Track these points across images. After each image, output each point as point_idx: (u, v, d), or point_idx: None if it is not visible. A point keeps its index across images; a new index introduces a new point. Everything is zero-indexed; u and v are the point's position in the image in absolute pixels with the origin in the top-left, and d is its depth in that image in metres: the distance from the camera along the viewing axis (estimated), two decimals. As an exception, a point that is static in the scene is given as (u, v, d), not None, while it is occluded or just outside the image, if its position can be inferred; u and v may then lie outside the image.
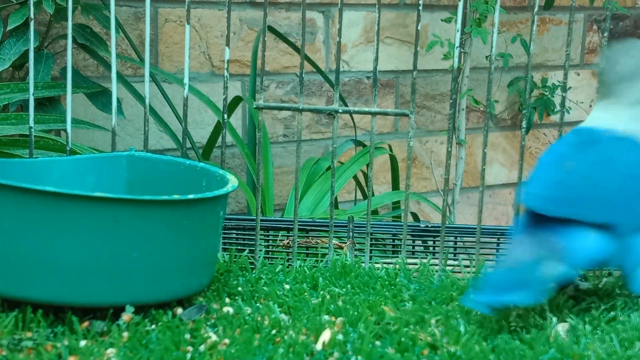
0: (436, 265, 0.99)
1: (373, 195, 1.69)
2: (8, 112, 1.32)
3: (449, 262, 1.01)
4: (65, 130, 0.99)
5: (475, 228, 1.02)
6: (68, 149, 0.99)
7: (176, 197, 0.77)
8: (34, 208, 0.73)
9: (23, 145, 1.21)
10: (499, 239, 1.17)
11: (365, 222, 1.03)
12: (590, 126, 0.89)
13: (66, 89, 0.98)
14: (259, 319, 0.80)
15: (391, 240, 1.22)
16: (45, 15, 1.47)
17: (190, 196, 0.78)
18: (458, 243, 1.21)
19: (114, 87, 0.98)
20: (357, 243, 1.13)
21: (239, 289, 0.88)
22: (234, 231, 1.17)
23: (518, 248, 0.81)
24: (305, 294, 0.87)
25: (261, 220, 1.11)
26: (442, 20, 1.90)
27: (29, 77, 0.98)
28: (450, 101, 0.96)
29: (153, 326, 0.77)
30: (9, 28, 1.34)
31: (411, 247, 1.23)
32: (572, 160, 0.84)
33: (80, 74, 1.53)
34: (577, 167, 0.83)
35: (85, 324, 0.76)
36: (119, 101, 1.53)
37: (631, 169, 0.84)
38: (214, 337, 0.75)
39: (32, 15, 0.98)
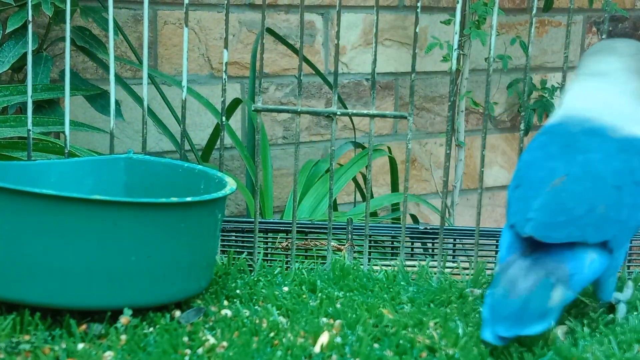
0: (435, 267, 0.99)
1: (372, 197, 1.69)
2: (7, 115, 1.32)
3: (448, 264, 1.01)
4: (64, 132, 0.99)
5: (474, 230, 1.02)
6: (66, 151, 0.99)
7: (174, 200, 0.77)
8: (32, 211, 0.73)
9: (22, 147, 1.21)
10: (497, 241, 1.17)
11: (364, 224, 1.03)
12: (568, 121, 0.85)
13: (65, 92, 0.98)
14: (257, 321, 0.80)
15: (390, 242, 1.22)
16: (44, 17, 1.47)
17: (188, 199, 0.78)
18: (457, 245, 1.21)
19: (112, 89, 0.98)
20: (356, 245, 1.13)
21: (238, 291, 0.88)
22: (233, 233, 1.17)
23: (516, 273, 0.76)
24: (304, 296, 0.87)
25: (260, 222, 1.11)
26: (441, 22, 1.90)
27: (27, 80, 0.98)
28: (449, 103, 0.96)
29: (151, 329, 0.77)
30: (7, 31, 1.34)
31: (410, 249, 1.23)
32: (559, 172, 0.80)
33: (80, 77, 1.53)
34: (567, 184, 0.79)
35: (83, 326, 0.76)
36: (117, 103, 1.53)
37: (617, 178, 0.79)
38: (212, 340, 0.75)
39: (30, 18, 0.98)
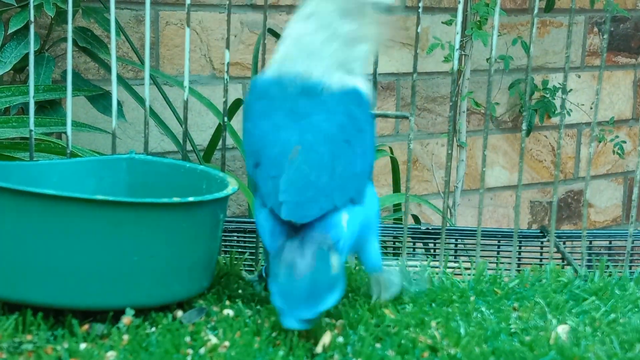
0: (437, 267, 0.99)
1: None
2: (9, 115, 1.32)
3: (450, 264, 1.01)
4: (66, 133, 0.99)
5: (475, 230, 1.02)
6: (68, 151, 0.99)
7: (176, 200, 0.77)
8: (35, 211, 0.73)
9: (24, 148, 1.21)
10: (499, 241, 1.17)
11: (365, 225, 1.03)
12: (283, 78, 0.83)
13: (67, 92, 0.98)
14: (259, 321, 0.80)
15: (392, 242, 1.23)
16: (46, 18, 1.47)
17: (190, 199, 0.78)
18: (459, 245, 1.21)
19: (114, 90, 0.98)
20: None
21: (240, 291, 0.88)
22: (235, 234, 1.17)
23: (292, 255, 0.74)
24: (306, 296, 0.87)
25: (262, 222, 1.11)
26: (442, 22, 1.90)
27: (29, 80, 0.98)
28: (451, 103, 0.97)
29: (153, 329, 0.77)
30: (10, 31, 1.34)
31: (412, 249, 1.23)
32: (292, 142, 0.79)
33: (82, 77, 1.53)
34: (303, 153, 0.78)
35: (86, 326, 0.76)
36: (119, 104, 1.53)
37: (344, 133, 0.80)
38: (214, 340, 0.75)
39: (32, 19, 0.98)
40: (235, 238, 1.16)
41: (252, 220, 1.17)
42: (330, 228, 0.76)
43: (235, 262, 0.97)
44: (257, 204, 0.80)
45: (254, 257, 1.00)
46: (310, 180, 0.77)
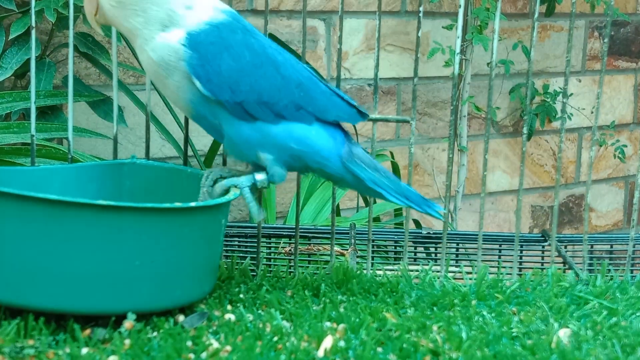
0: (438, 271, 0.99)
1: (375, 202, 1.70)
2: (10, 121, 1.32)
3: (451, 268, 1.01)
4: (67, 138, 0.99)
5: (477, 235, 1.02)
6: (70, 157, 0.99)
7: (178, 205, 0.77)
8: (36, 216, 0.73)
9: (25, 153, 1.21)
10: (500, 245, 1.17)
11: (367, 229, 1.03)
12: None
13: (68, 98, 0.98)
14: (260, 326, 0.80)
15: (393, 247, 1.23)
16: (47, 24, 1.48)
17: (192, 204, 0.78)
18: (460, 249, 1.21)
19: (115, 95, 0.99)
20: (359, 250, 1.13)
21: (241, 296, 0.88)
22: (236, 238, 1.17)
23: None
24: (307, 300, 0.87)
25: (263, 227, 1.11)
26: (443, 27, 1.90)
27: (30, 86, 0.99)
28: (451, 108, 0.97)
29: (155, 333, 0.77)
30: (11, 37, 1.34)
31: (413, 253, 1.23)
32: None
33: (82, 83, 1.53)
34: None
35: (87, 331, 0.76)
36: (120, 109, 1.53)
37: None
38: (215, 344, 0.75)
39: (33, 24, 0.98)
40: (236, 243, 1.16)
41: (253, 225, 1.17)
42: None
43: (237, 267, 0.97)
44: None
45: (255, 262, 1.00)
46: None
